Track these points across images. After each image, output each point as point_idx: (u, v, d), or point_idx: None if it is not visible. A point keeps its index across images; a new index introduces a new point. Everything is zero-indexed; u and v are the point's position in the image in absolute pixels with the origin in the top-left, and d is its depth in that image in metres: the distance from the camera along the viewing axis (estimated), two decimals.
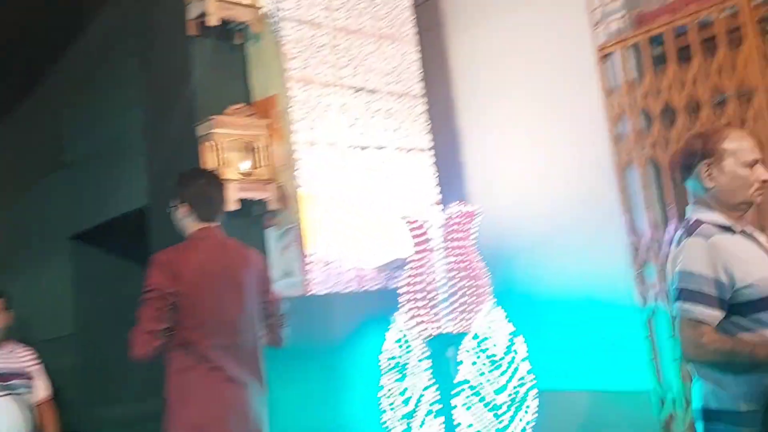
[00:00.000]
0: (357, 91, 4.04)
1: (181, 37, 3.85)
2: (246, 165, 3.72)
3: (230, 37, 3.99)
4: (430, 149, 4.29)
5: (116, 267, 5.23)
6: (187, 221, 2.59)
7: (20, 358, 3.59)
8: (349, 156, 3.93)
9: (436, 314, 3.44)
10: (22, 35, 5.51)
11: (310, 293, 3.61)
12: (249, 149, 3.77)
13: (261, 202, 3.79)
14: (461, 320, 3.40)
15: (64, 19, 5.19)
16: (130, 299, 4.87)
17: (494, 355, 3.25)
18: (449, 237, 3.46)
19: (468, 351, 3.28)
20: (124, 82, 4.55)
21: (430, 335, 3.42)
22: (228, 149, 3.69)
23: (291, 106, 3.78)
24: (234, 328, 2.46)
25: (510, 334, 3.36)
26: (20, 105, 5.87)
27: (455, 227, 3.45)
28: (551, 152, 3.98)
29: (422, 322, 3.44)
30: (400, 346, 3.47)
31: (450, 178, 4.43)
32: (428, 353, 3.38)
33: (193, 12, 3.78)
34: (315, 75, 3.89)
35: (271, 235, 3.85)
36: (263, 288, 2.65)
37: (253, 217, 3.89)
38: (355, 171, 3.93)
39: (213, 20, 3.70)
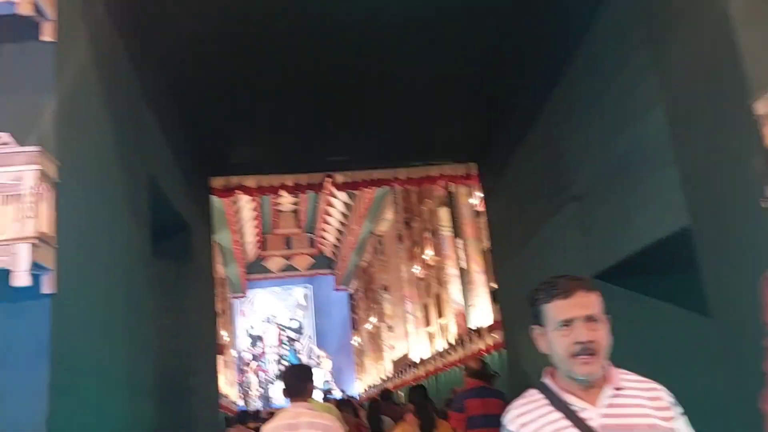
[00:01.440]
0: None
1: None
2: None
3: None
4: None
5: (646, 309, 4.38)
6: None
7: None
8: None
9: None
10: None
11: None
12: None
13: None
14: None
15: (554, 40, 4.80)
16: (677, 352, 3.95)
17: None
18: None
19: None
20: (633, 84, 3.80)
21: None
22: None
23: None
24: None
25: None
26: (522, 140, 5.71)
27: None
28: None
29: None
30: None
31: None
32: None
33: None
34: None
35: None
36: None
37: None
38: None
39: None
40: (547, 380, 1.69)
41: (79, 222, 2.95)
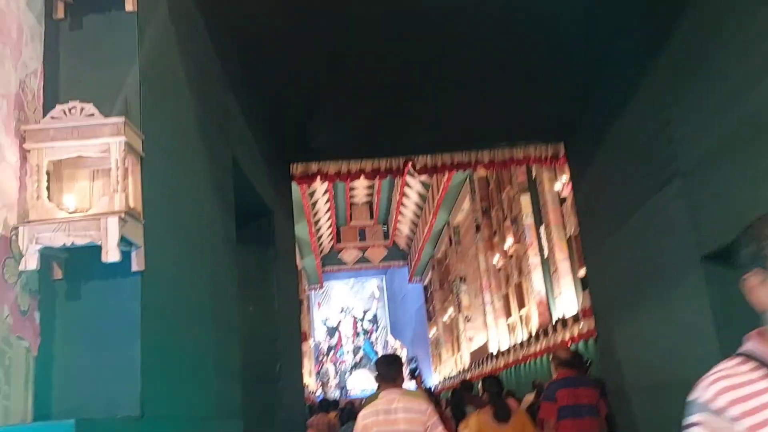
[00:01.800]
0: None
1: None
2: None
3: None
4: None
5: None
6: None
7: None
8: None
9: None
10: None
11: None
12: None
13: None
14: None
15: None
16: None
17: None
18: None
19: None
20: (754, 42, 3.42)
21: None
22: None
23: None
24: None
25: None
26: (618, 114, 5.34)
27: None
28: None
29: None
30: None
31: None
32: None
33: None
34: None
35: None
36: None
37: None
38: None
39: None
40: (759, 347, 1.30)
41: (164, 199, 2.87)
